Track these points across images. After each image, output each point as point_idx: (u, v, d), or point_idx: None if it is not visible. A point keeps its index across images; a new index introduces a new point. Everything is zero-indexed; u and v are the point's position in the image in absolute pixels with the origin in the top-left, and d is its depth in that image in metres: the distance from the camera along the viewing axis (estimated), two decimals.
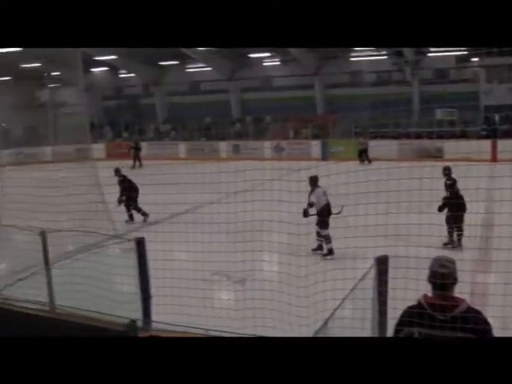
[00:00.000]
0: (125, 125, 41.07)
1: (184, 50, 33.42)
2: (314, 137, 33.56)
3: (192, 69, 40.28)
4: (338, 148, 30.79)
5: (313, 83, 35.82)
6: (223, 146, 34.52)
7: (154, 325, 7.02)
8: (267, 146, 33.04)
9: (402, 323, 3.70)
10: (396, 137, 30.60)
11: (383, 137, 30.63)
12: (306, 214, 11.05)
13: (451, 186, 11.81)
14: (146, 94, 42.98)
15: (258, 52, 34.78)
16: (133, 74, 42.20)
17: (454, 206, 11.01)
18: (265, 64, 37.56)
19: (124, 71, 42.85)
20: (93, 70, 41.49)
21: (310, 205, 11.37)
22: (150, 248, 7.32)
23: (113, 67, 41.81)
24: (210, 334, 6.25)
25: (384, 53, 33.39)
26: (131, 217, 14.94)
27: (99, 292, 7.17)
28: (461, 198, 11.09)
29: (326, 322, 5.51)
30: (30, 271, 8.10)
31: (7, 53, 26.48)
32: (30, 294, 7.67)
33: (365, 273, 5.69)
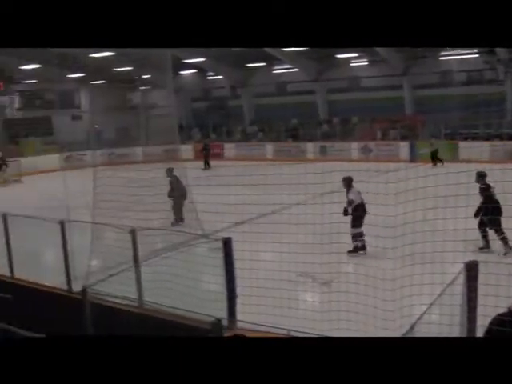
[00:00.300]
0: (213, 126, 41.63)
1: (271, 51, 33.55)
2: (403, 138, 32.95)
3: (279, 70, 40.35)
4: (427, 150, 30.08)
5: (401, 83, 35.18)
6: (310, 147, 34.42)
7: (238, 324, 7.09)
8: (354, 147, 32.70)
9: (491, 331, 3.58)
10: (487, 138, 29.67)
11: (474, 138, 29.76)
12: (346, 212, 11.38)
13: (485, 190, 11.58)
14: (233, 96, 43.38)
15: (345, 52, 34.46)
16: (220, 76, 42.71)
17: (488, 210, 10.86)
18: (352, 64, 37.19)
19: (212, 73, 43.46)
20: (182, 72, 42.28)
21: (349, 203, 11.86)
22: (237, 248, 7.39)
23: (201, 69, 42.46)
24: (292, 334, 6.26)
25: (475, 51, 32.37)
26: (181, 219, 14.85)
27: (186, 290, 7.30)
28: (496, 202, 10.89)
29: (412, 327, 5.39)
30: (121, 268, 8.34)
31: (101, 57, 27.48)
32: (120, 290, 7.91)
33: (453, 278, 5.54)
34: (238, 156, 34.50)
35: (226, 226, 9.16)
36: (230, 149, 37.02)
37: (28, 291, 9.82)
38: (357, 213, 11.67)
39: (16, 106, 41.12)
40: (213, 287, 7.49)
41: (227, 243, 7.39)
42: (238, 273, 7.32)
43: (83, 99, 43.85)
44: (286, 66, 38.88)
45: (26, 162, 33.49)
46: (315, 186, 7.38)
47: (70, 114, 42.88)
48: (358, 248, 11.72)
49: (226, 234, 7.84)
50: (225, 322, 6.63)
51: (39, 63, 34.60)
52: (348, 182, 12.07)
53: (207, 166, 31.74)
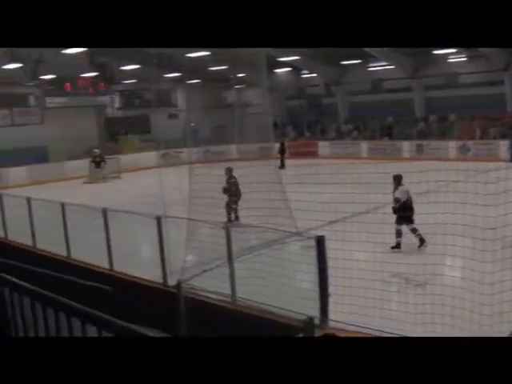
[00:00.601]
0: (307, 124, 41.58)
1: (366, 48, 33.15)
2: (503, 136, 31.69)
3: (374, 67, 39.82)
4: None
5: (502, 79, 33.87)
6: (406, 146, 33.70)
7: (330, 323, 7.05)
8: (452, 145, 31.81)
9: None
10: None
11: None
12: (395, 210, 11.69)
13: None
14: (327, 94, 43.18)
15: (443, 48, 33.49)
16: (315, 74, 42.61)
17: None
18: (450, 60, 36.15)
19: (306, 71, 43.41)
20: (276, 70, 42.48)
21: (397, 200, 11.95)
22: (330, 246, 7.35)
23: (295, 67, 42.50)
24: (384, 335, 6.16)
25: None
26: (237, 217, 14.79)
27: (278, 288, 7.33)
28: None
29: None
30: (215, 263, 8.47)
31: (197, 57, 27.99)
32: (213, 286, 8.03)
33: None
34: (333, 154, 34.32)
35: (320, 224, 9.14)
36: (324, 147, 36.86)
37: (126, 284, 10.15)
38: (403, 209, 11.76)
39: (116, 105, 42.60)
40: (305, 285, 7.49)
41: (320, 241, 7.37)
42: (331, 271, 7.28)
43: (179, 98, 44.86)
44: (382, 63, 38.30)
45: (125, 159, 34.65)
46: (411, 185, 7.24)
47: (166, 113, 43.99)
48: (396, 246, 11.81)
49: (319, 233, 7.82)
50: (316, 321, 6.61)
51: (138, 64, 35.65)
52: (398, 180, 12.26)
53: (282, 165, 31.66)
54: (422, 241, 11.76)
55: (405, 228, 11.63)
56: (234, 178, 15.37)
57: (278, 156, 30.84)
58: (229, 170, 15.63)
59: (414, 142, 33.66)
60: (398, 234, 11.95)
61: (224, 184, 14.94)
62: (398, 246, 11.97)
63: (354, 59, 38.44)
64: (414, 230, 11.93)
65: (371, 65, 39.69)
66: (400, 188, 12.21)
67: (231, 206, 14.81)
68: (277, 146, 30.69)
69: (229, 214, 14.94)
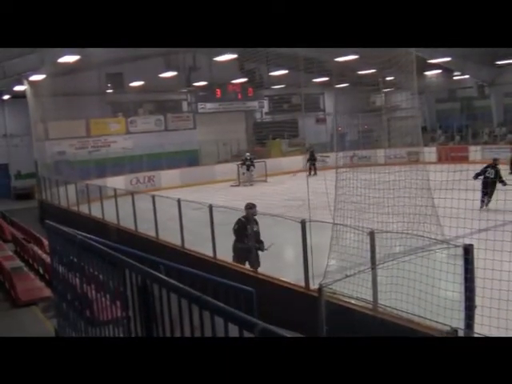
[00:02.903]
0: (457, 128, 40.16)
1: None
2: None
3: None
4: None
5: None
6: None
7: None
8: None
9: None
10: None
11: None
12: None
13: None
14: (480, 96, 41.44)
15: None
16: (467, 76, 41.04)
17: None
18: None
19: (458, 73, 41.92)
20: (426, 73, 41.38)
21: None
22: (478, 256, 7.06)
23: (446, 69, 41.17)
24: None
25: None
26: None
27: (422, 296, 7.14)
28: None
29: None
30: (358, 269, 8.40)
31: (345, 61, 27.90)
32: (355, 291, 7.97)
33: None
34: (485, 159, 32.87)
35: (468, 232, 8.81)
36: (475, 151, 35.38)
37: (269, 286, 10.33)
38: None
39: (265, 110, 43.44)
40: (450, 295, 7.24)
41: (468, 250, 7.09)
42: (478, 282, 6.98)
43: (327, 102, 44.96)
44: None
45: (272, 162, 35.23)
46: None
47: (314, 117, 44.24)
48: None
49: (467, 241, 7.53)
50: (460, 333, 6.37)
51: (287, 69, 36.13)
52: None
53: (314, 173, 32.46)
54: None
55: None
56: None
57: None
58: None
59: None
60: None
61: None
62: None
63: (511, 59, 36.58)
64: None
65: None
66: None
67: None
68: (428, 150, 29.91)
69: None
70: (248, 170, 33.21)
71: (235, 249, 12.01)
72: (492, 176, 18.70)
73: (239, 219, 11.85)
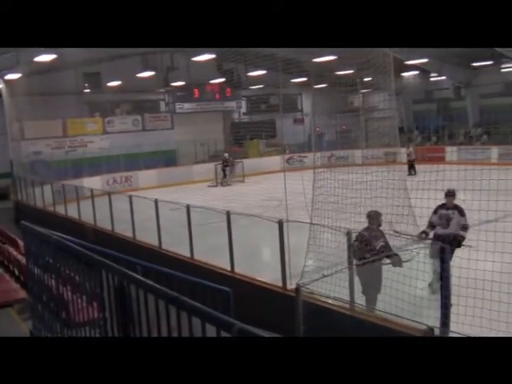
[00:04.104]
0: (434, 129, 40.48)
1: (499, 49, 31.79)
2: None
3: (507, 69, 38.07)
4: None
5: None
6: None
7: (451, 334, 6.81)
8: None
9: None
10: None
11: None
12: None
13: None
14: (457, 97, 41.85)
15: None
16: (444, 77, 41.40)
17: None
18: None
19: (435, 74, 42.27)
20: (404, 74, 41.66)
21: None
22: (455, 255, 7.14)
23: (423, 70, 41.50)
24: None
25: None
26: None
27: (398, 295, 7.19)
28: None
29: None
30: (335, 269, 8.43)
31: (324, 62, 28.00)
32: (332, 291, 8.00)
33: None
34: (461, 160, 33.16)
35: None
36: (451, 152, 35.69)
37: (246, 286, 10.32)
38: None
39: (243, 110, 43.42)
40: (427, 294, 7.30)
41: (444, 250, 7.16)
42: (454, 281, 7.05)
43: (305, 103, 45.07)
44: None
45: (249, 163, 35.24)
46: None
47: (292, 118, 44.33)
48: None
49: None
50: (437, 331, 6.43)
51: (265, 69, 36.14)
52: None
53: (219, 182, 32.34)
54: None
55: None
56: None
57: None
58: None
59: None
60: None
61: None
62: None
63: (486, 60, 37.00)
64: None
65: (504, 66, 38.02)
66: None
67: None
68: (405, 150, 30.18)
69: None
70: (226, 170, 33.27)
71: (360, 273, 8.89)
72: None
73: (360, 233, 9.30)
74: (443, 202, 10.39)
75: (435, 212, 10.55)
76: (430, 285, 8.79)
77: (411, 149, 31.58)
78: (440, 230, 10.43)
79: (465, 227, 10.13)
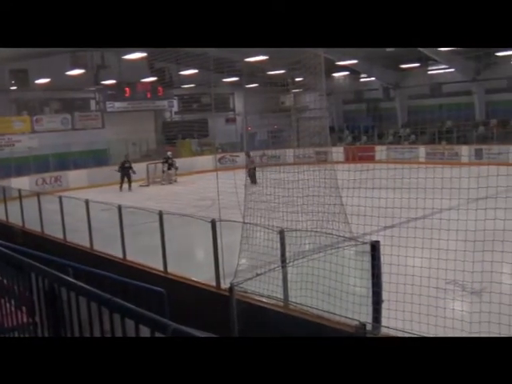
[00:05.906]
0: (364, 128, 41.26)
1: (426, 51, 32.65)
2: None
3: (434, 71, 39.20)
4: None
5: None
6: (465, 150, 33.08)
7: (382, 329, 6.97)
8: None
9: None
10: None
11: None
12: None
13: None
14: (386, 98, 42.77)
15: (507, 50, 32.49)
16: (373, 78, 42.24)
17: None
18: None
19: (364, 75, 43.08)
20: (334, 74, 42.28)
21: None
22: (385, 252, 7.27)
23: (353, 71, 42.22)
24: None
25: None
26: None
27: (331, 292, 7.29)
28: None
29: None
30: (268, 267, 8.48)
31: (256, 61, 28.12)
32: (266, 289, 8.05)
33: None
34: (390, 159, 33.91)
35: (375, 229, 9.05)
36: (381, 151, 36.46)
37: (179, 286, 10.27)
38: None
39: (175, 109, 43.15)
40: (358, 291, 7.43)
41: (375, 247, 7.30)
42: (385, 278, 7.20)
43: (237, 102, 45.15)
44: (442, 66, 37.67)
45: (182, 162, 35.09)
46: (469, 190, 7.10)
47: (224, 117, 44.33)
48: None
49: (374, 238, 7.75)
50: (368, 327, 6.56)
51: (197, 68, 36.01)
52: None
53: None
54: None
55: None
56: None
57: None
58: None
59: (473, 147, 32.96)
60: None
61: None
62: None
63: (414, 62, 37.95)
64: None
65: (431, 68, 39.10)
66: None
67: None
68: (336, 150, 30.49)
69: None
70: (169, 169, 33.12)
71: None
72: None
73: None
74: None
75: None
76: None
77: (253, 157, 30.80)
78: None
79: None
